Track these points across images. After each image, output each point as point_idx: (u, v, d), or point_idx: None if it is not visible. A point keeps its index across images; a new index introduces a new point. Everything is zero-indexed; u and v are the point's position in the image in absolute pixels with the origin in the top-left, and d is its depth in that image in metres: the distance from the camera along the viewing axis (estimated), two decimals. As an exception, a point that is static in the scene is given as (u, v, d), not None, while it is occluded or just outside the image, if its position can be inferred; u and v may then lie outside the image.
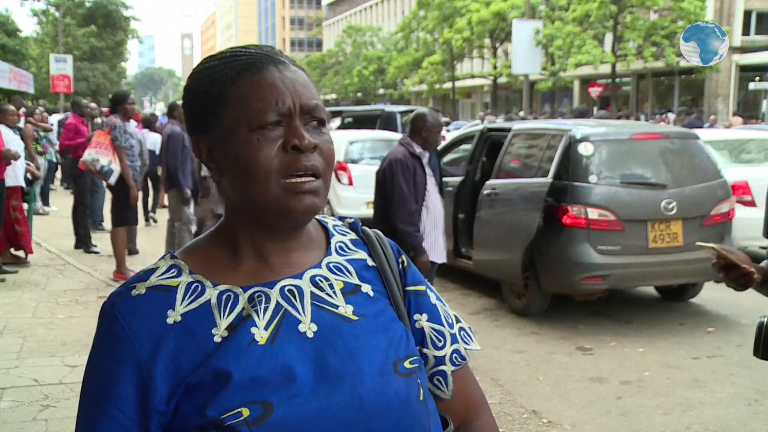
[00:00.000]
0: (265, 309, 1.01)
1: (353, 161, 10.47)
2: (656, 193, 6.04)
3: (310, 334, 1.01)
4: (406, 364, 1.04)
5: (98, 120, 12.14)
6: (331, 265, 1.09)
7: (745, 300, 6.65)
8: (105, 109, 14.31)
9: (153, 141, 11.17)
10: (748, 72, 29.29)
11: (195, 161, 7.53)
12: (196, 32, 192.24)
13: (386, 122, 14.07)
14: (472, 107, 49.81)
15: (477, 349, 1.19)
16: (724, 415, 4.33)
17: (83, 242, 9.22)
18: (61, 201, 9.73)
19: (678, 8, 26.37)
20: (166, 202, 9.41)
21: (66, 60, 27.42)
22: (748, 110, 28.29)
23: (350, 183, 10.19)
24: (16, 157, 7.44)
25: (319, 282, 1.06)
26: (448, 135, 11.06)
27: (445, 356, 1.14)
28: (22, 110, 13.06)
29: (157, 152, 9.81)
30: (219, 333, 0.98)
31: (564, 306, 6.59)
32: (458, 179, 7.49)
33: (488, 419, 1.20)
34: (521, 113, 24.69)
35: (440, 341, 1.14)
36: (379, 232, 1.19)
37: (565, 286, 6.12)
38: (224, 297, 1.01)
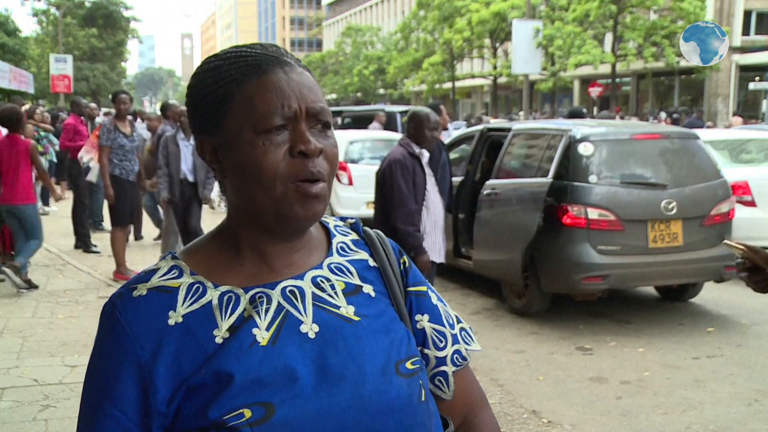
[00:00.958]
0: (267, 310, 1.00)
1: (353, 161, 10.47)
2: (656, 193, 6.04)
3: (311, 335, 1.00)
4: (408, 365, 1.04)
5: (98, 120, 12.18)
6: (332, 265, 1.09)
7: (745, 300, 6.66)
8: (105, 110, 14.32)
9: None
10: (748, 72, 29.30)
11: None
12: (196, 32, 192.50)
13: (386, 122, 14.07)
14: (472, 107, 49.80)
15: (478, 350, 1.19)
16: (724, 415, 4.33)
17: (83, 242, 9.23)
18: (61, 201, 9.72)
19: (678, 8, 26.37)
20: None
21: (66, 60, 27.43)
22: (748, 110, 28.26)
23: (350, 183, 10.19)
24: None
25: (320, 283, 1.06)
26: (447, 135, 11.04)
27: (446, 357, 1.14)
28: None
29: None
30: (220, 334, 0.98)
31: (564, 306, 6.59)
32: (458, 179, 7.49)
33: (489, 416, 1.20)
34: (521, 113, 24.70)
35: (441, 342, 1.14)
36: (381, 233, 1.19)
37: (565, 286, 6.12)
38: (225, 298, 1.01)
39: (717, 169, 6.49)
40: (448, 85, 42.32)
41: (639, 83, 36.46)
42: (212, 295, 1.01)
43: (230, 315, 1.00)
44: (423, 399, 1.05)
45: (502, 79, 38.43)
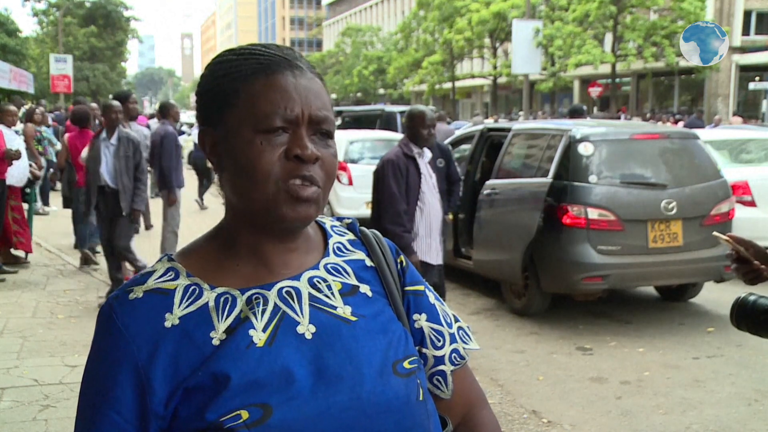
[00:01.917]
0: (263, 311, 1.00)
1: (353, 161, 10.47)
2: (656, 193, 6.04)
3: (308, 336, 1.00)
4: (406, 365, 1.04)
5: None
6: (329, 266, 1.09)
7: (745, 300, 6.64)
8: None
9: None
10: (748, 72, 29.28)
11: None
12: (196, 32, 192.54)
13: (386, 122, 14.07)
14: (472, 107, 49.80)
15: (476, 349, 1.19)
16: (724, 415, 4.33)
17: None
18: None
19: (678, 8, 26.36)
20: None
21: (66, 60, 27.40)
22: (748, 110, 28.28)
23: (350, 183, 10.20)
24: (17, 157, 7.44)
25: (317, 283, 1.05)
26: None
27: (444, 356, 1.14)
28: (23, 110, 13.08)
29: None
30: (217, 336, 0.98)
31: (564, 306, 6.59)
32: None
33: (488, 414, 1.20)
34: (521, 113, 24.69)
35: (439, 341, 1.14)
36: (377, 233, 1.19)
37: (565, 286, 6.12)
38: (222, 299, 1.01)
39: (717, 169, 6.49)
40: (448, 85, 42.30)
41: (639, 83, 36.45)
42: (209, 296, 1.01)
43: (227, 316, 0.99)
44: (421, 399, 1.05)
45: (502, 79, 38.42)
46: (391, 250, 1.17)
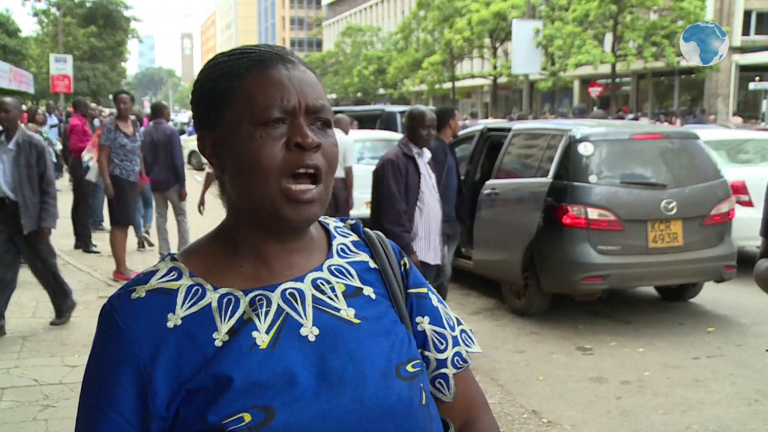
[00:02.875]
0: (267, 312, 1.00)
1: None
2: (656, 193, 6.04)
3: (311, 338, 1.00)
4: (409, 368, 1.04)
5: (96, 121, 12.23)
6: (332, 267, 1.08)
7: (745, 300, 6.65)
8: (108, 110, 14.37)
9: None
10: (748, 72, 29.28)
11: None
12: (196, 32, 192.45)
13: (386, 122, 14.06)
14: (472, 107, 49.79)
15: (478, 352, 1.18)
16: (724, 415, 4.33)
17: (83, 242, 9.23)
18: (61, 201, 9.69)
19: (678, 8, 26.34)
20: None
21: (66, 60, 27.41)
22: (748, 110, 28.28)
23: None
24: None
25: (320, 285, 1.05)
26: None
27: (446, 359, 1.14)
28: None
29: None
30: (220, 337, 0.98)
31: (564, 306, 6.59)
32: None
33: (489, 419, 1.19)
34: (519, 113, 24.64)
35: (442, 344, 1.14)
36: (381, 234, 1.19)
37: (565, 286, 6.12)
38: (225, 300, 1.00)
39: (717, 169, 6.49)
40: (448, 85, 42.29)
41: (639, 83, 36.43)
42: (211, 297, 1.00)
43: (230, 318, 0.99)
44: (424, 402, 1.05)
45: (502, 79, 38.40)
46: (394, 251, 1.17)
